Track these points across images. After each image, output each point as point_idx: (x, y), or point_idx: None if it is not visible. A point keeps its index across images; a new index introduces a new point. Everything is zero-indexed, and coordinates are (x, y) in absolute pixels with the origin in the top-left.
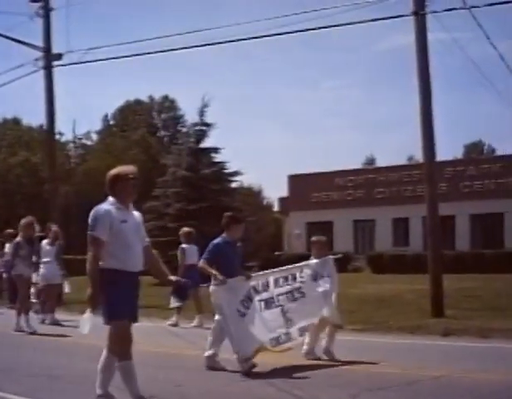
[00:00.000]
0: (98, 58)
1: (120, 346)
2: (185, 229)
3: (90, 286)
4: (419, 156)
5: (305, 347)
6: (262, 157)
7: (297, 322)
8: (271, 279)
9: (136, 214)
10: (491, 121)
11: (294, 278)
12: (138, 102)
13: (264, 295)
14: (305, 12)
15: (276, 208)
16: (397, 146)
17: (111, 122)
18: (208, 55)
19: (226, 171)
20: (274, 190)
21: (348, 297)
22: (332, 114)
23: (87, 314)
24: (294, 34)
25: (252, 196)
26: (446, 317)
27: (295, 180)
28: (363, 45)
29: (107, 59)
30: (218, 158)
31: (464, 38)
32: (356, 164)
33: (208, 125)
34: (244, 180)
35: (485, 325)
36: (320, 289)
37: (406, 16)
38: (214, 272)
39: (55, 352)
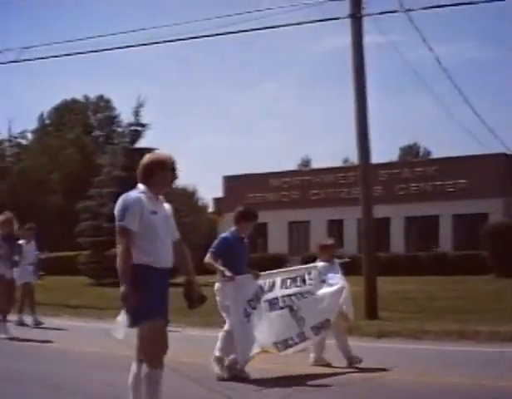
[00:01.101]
0: (35, 57)
1: (153, 350)
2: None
3: (122, 283)
4: (354, 158)
5: (312, 354)
6: (197, 158)
7: (309, 320)
8: (278, 280)
9: (167, 205)
10: (427, 124)
11: (303, 280)
12: (74, 102)
13: (269, 295)
14: (239, 14)
15: (211, 208)
16: (333, 148)
17: (47, 121)
18: (143, 55)
19: None
20: (209, 191)
21: None
22: (268, 115)
23: (122, 316)
24: (231, 35)
25: (186, 197)
26: (380, 318)
27: (230, 181)
28: (301, 47)
29: (43, 58)
30: None
31: (401, 41)
32: (292, 165)
33: (143, 125)
34: (179, 181)
35: (419, 327)
36: (331, 286)
37: (343, 18)
38: (221, 268)
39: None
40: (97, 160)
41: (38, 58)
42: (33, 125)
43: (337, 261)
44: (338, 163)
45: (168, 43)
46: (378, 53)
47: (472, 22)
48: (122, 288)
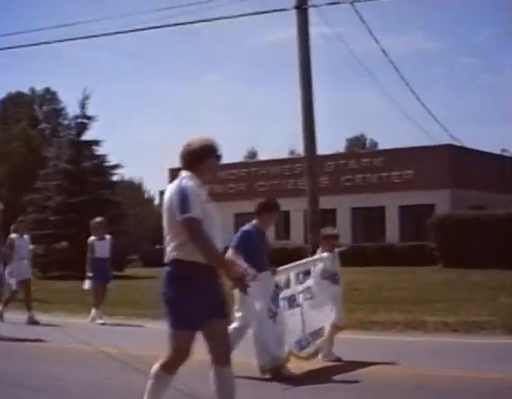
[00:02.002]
0: None
1: (176, 357)
2: (96, 219)
3: (224, 268)
4: (300, 150)
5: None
6: (143, 150)
7: (310, 325)
8: (292, 275)
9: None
10: (373, 116)
11: (309, 274)
12: (19, 95)
13: (287, 293)
14: (182, 6)
15: (157, 201)
16: (279, 140)
17: None
18: (89, 48)
19: (107, 164)
20: (155, 183)
21: (227, 290)
22: (213, 107)
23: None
24: (174, 27)
25: (133, 189)
26: None
27: (176, 173)
28: (245, 38)
29: None
30: (99, 151)
31: (347, 32)
32: (238, 157)
33: (89, 117)
34: (125, 173)
35: (366, 318)
36: (328, 291)
37: (289, 10)
38: (244, 265)
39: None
40: (43, 153)
41: None
42: None
43: (337, 251)
44: (284, 154)
45: (111, 35)
46: (324, 45)
47: (418, 12)
48: (230, 272)
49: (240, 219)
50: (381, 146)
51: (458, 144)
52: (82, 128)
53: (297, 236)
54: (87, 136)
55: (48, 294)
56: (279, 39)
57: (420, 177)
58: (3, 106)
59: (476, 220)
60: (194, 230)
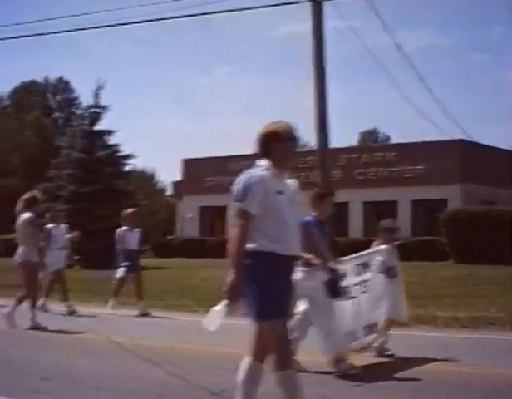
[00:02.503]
0: None
1: (264, 349)
2: (128, 210)
3: (232, 271)
4: (313, 143)
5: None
6: (156, 141)
7: (365, 318)
8: (350, 266)
9: (292, 182)
10: (387, 110)
11: (367, 266)
12: (33, 83)
13: (343, 284)
14: None
15: (169, 191)
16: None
17: (6, 103)
18: (102, 38)
19: (120, 154)
20: (168, 174)
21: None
22: (225, 99)
23: (220, 307)
24: (188, 18)
25: (145, 180)
26: None
27: (189, 164)
28: (259, 32)
29: (1, 39)
30: (112, 141)
31: (361, 27)
32: (250, 149)
33: (102, 107)
34: (138, 164)
35: None
36: (384, 285)
37: (303, 2)
38: (308, 255)
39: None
40: (56, 142)
41: None
42: None
43: (395, 244)
44: (297, 147)
45: (126, 25)
46: (338, 38)
47: (430, 8)
48: (232, 277)
49: None
50: (393, 140)
51: (470, 139)
52: (95, 118)
53: None
54: (100, 126)
55: None
56: (292, 32)
57: (432, 172)
58: (17, 95)
59: (487, 216)
60: (238, 220)
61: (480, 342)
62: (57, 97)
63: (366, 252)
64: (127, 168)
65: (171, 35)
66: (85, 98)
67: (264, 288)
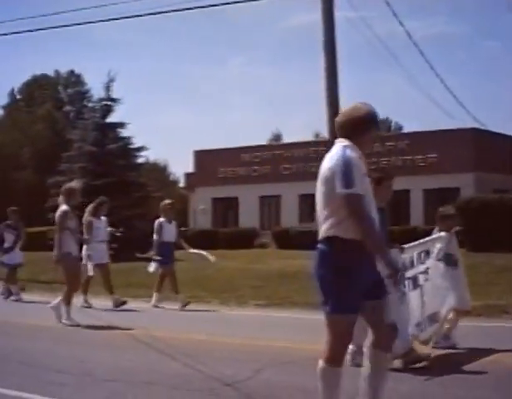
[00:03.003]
0: (4, 32)
1: (339, 346)
2: (167, 201)
3: (382, 255)
4: (325, 133)
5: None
6: (168, 132)
7: (428, 307)
8: (415, 254)
9: None
10: (398, 99)
11: (428, 253)
12: (44, 77)
13: (411, 272)
14: None
15: (182, 183)
16: (304, 123)
17: (18, 97)
18: (113, 30)
19: (132, 146)
20: (180, 166)
21: (254, 272)
22: (238, 90)
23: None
24: (200, 10)
25: (157, 172)
26: None
27: (201, 156)
28: (271, 22)
29: (14, 33)
30: (123, 133)
31: (371, 16)
32: (263, 140)
33: (114, 100)
34: (150, 156)
35: None
36: (444, 274)
37: None
38: None
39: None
40: (68, 136)
41: (8, 33)
42: (3, 100)
43: (454, 231)
44: (309, 137)
45: (138, 18)
46: (349, 28)
47: None
48: (386, 264)
49: (266, 201)
50: (405, 129)
51: (482, 127)
52: (107, 110)
53: None
54: (112, 118)
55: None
56: (304, 22)
57: (445, 160)
58: (28, 89)
59: (500, 204)
60: (357, 208)
61: (494, 330)
62: (69, 90)
63: (427, 239)
64: (139, 160)
65: (184, 26)
66: (96, 91)
67: (348, 278)
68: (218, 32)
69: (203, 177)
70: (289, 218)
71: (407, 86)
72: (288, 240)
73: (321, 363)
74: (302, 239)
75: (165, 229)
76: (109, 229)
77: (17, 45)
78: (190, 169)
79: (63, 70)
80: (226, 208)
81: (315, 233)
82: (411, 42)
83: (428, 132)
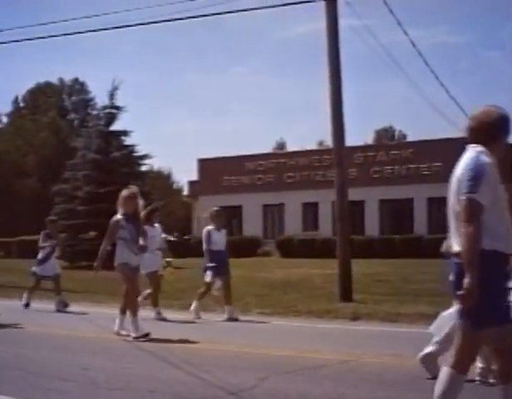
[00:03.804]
0: (9, 40)
1: (470, 357)
2: (216, 208)
3: (468, 274)
4: (329, 141)
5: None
6: (171, 141)
7: None
8: None
9: None
10: (402, 107)
11: None
12: (48, 85)
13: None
14: None
15: (186, 192)
16: (308, 131)
17: (22, 104)
18: (117, 38)
19: (136, 154)
20: (184, 174)
21: (257, 281)
22: (240, 99)
23: (449, 312)
24: (200, 19)
25: (161, 180)
26: (355, 301)
27: (205, 164)
28: (273, 30)
29: (17, 41)
30: (127, 141)
31: (375, 24)
32: (267, 148)
33: (118, 108)
34: (154, 164)
35: (393, 309)
36: None
37: (318, 1)
38: None
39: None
40: (72, 143)
41: (12, 41)
42: (7, 108)
43: None
44: (313, 146)
45: (140, 26)
46: (352, 36)
47: (444, 6)
48: (469, 280)
49: (269, 209)
50: (409, 138)
51: None
52: (111, 118)
53: (325, 228)
54: (116, 126)
55: (76, 284)
56: (307, 31)
57: (449, 169)
58: (32, 96)
59: None
60: (471, 214)
61: None
62: (73, 98)
63: None
64: (143, 168)
65: (186, 36)
66: (100, 99)
67: (488, 290)
68: (220, 41)
69: (206, 185)
70: (293, 226)
71: (411, 95)
72: (292, 248)
73: (447, 368)
74: (305, 248)
75: (214, 237)
76: (163, 235)
77: (21, 53)
78: (194, 177)
79: (67, 78)
80: (230, 216)
81: (318, 241)
82: (415, 51)
83: (432, 141)
